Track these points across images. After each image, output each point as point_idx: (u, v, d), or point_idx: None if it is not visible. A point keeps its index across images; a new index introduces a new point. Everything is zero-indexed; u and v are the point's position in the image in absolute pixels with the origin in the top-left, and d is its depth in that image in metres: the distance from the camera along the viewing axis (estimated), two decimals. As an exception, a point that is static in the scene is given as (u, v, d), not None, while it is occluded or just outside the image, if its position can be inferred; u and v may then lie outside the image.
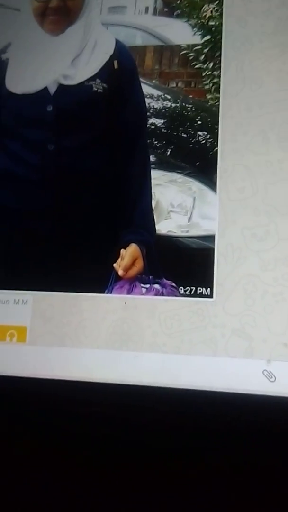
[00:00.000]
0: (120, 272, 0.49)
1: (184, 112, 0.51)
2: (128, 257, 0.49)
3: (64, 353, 0.49)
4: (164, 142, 0.51)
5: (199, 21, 0.52)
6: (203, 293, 0.47)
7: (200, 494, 0.45)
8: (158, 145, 0.51)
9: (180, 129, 0.51)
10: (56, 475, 0.48)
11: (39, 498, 0.47)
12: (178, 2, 0.53)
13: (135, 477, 0.46)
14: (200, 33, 0.52)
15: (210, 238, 0.48)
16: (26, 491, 0.48)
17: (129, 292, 0.49)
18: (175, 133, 0.51)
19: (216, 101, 0.50)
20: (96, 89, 0.52)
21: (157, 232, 0.49)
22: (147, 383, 0.47)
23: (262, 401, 0.44)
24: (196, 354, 0.46)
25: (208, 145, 0.50)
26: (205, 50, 0.51)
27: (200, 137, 0.50)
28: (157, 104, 0.52)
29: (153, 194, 0.50)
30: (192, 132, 0.51)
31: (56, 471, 0.48)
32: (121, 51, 0.53)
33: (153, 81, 0.52)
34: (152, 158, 0.51)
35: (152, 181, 0.50)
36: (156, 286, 0.48)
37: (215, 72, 0.50)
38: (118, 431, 0.47)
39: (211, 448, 0.46)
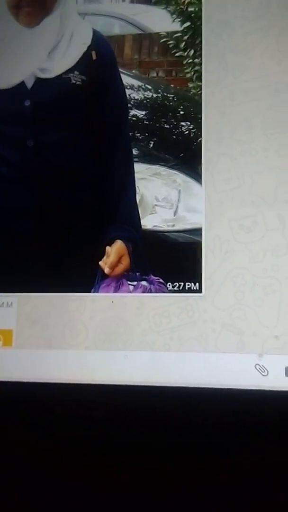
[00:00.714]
0: (106, 270, 0.48)
1: (166, 102, 0.50)
2: (114, 254, 0.48)
3: (52, 356, 0.48)
4: (147, 134, 0.50)
5: (178, 7, 0.50)
6: (192, 288, 0.46)
7: (195, 490, 0.45)
8: (140, 138, 0.50)
9: (163, 120, 0.50)
10: (46, 476, 0.47)
11: (26, 501, 0.46)
12: (156, -12, 0.51)
13: (127, 476, 0.46)
14: (179, 19, 0.50)
15: (197, 231, 0.47)
16: (14, 495, 0.47)
17: (116, 290, 0.48)
18: (158, 125, 0.50)
19: (199, 89, 0.48)
20: (74, 81, 0.51)
21: (143, 227, 0.48)
22: (138, 382, 0.46)
23: (255, 395, 0.43)
24: (187, 350, 0.45)
25: (191, 135, 0.48)
26: (185, 37, 0.50)
27: (183, 128, 0.49)
28: (138, 95, 0.50)
29: (137, 188, 0.49)
30: (175, 123, 0.49)
31: (46, 472, 0.47)
32: (99, 41, 0.51)
33: (133, 71, 0.51)
34: (134, 151, 0.49)
35: (136, 174, 0.49)
36: (144, 283, 0.47)
37: (196, 60, 0.49)
38: (110, 432, 0.46)
39: (205, 445, 0.45)
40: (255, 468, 0.44)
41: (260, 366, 0.44)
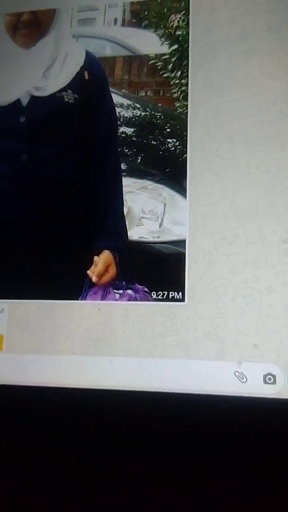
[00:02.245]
0: (94, 279, 0.50)
1: (153, 120, 0.52)
2: (101, 263, 0.50)
3: (40, 360, 0.49)
4: (135, 150, 0.52)
5: (167, 31, 0.53)
6: (175, 297, 0.48)
7: (172, 496, 0.46)
8: (128, 153, 0.52)
9: (150, 137, 0.52)
10: (34, 478, 0.48)
11: (10, 504, 0.48)
12: (146, 13, 0.54)
13: (111, 479, 0.47)
14: (167, 42, 0.53)
15: (181, 243, 0.49)
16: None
17: (103, 298, 0.50)
18: (145, 141, 0.52)
19: (185, 108, 0.51)
20: (67, 99, 0.53)
21: (129, 238, 0.50)
22: (122, 387, 0.47)
23: (234, 402, 0.45)
24: (169, 357, 0.47)
25: (177, 152, 0.51)
26: (173, 59, 0.52)
27: (169, 144, 0.51)
28: (127, 113, 0.53)
29: (124, 201, 0.51)
30: (162, 140, 0.52)
31: (34, 475, 0.48)
32: (91, 62, 0.54)
33: (123, 90, 0.53)
34: (123, 166, 0.52)
35: (124, 188, 0.51)
36: (129, 291, 0.49)
37: (183, 81, 0.52)
38: (95, 435, 0.47)
39: (187, 449, 0.46)
40: (233, 473, 0.45)
41: (239, 373, 0.46)
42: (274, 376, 0.45)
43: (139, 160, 0.52)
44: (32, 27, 0.55)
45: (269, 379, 0.45)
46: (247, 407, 0.45)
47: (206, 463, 0.46)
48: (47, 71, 0.54)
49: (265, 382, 0.45)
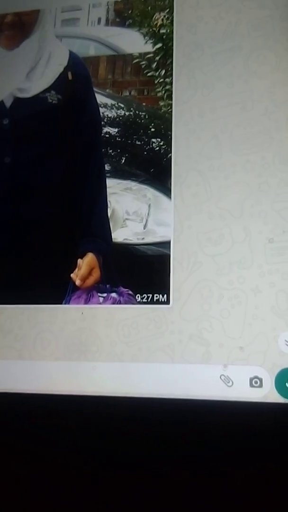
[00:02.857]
0: (78, 282, 0.49)
1: (137, 120, 0.51)
2: (85, 266, 0.49)
3: (24, 366, 0.48)
4: (119, 150, 0.51)
5: (151, 30, 0.52)
6: (160, 300, 0.47)
7: (156, 500, 0.45)
8: (113, 154, 0.51)
9: (134, 137, 0.51)
10: (14, 484, 0.47)
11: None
12: (130, 11, 0.53)
13: (93, 484, 0.46)
14: (151, 41, 0.52)
15: (166, 244, 0.48)
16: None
17: (87, 301, 0.49)
18: (129, 141, 0.51)
19: (169, 108, 0.50)
20: (51, 100, 0.53)
21: (114, 240, 0.49)
22: (106, 393, 0.46)
23: (220, 406, 0.44)
24: (154, 361, 0.46)
25: (162, 151, 0.50)
26: (157, 58, 0.52)
27: (154, 144, 0.50)
28: (111, 113, 0.52)
29: (108, 202, 0.50)
30: (146, 140, 0.51)
31: (15, 480, 0.48)
32: (74, 62, 0.53)
33: (107, 90, 0.53)
34: (107, 167, 0.51)
35: (108, 189, 0.50)
36: (113, 294, 0.48)
37: (167, 79, 0.51)
38: (77, 441, 0.46)
39: (172, 455, 0.45)
40: (220, 477, 0.44)
41: (225, 376, 0.45)
42: (260, 380, 0.44)
43: (123, 161, 0.51)
44: (16, 29, 0.55)
45: (256, 382, 0.44)
46: (234, 412, 0.44)
47: (192, 468, 0.45)
48: (31, 72, 0.54)
49: (251, 385, 0.44)
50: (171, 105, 0.50)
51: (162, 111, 0.50)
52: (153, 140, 0.50)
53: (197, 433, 0.44)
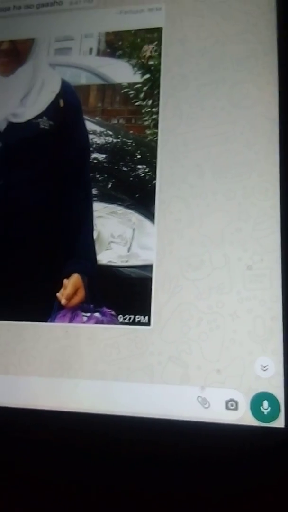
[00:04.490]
0: (63, 301, 0.51)
1: (124, 147, 0.53)
2: (71, 286, 0.51)
3: (9, 381, 0.50)
4: (106, 175, 0.53)
5: (139, 61, 0.54)
6: (141, 321, 0.49)
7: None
8: (100, 179, 0.53)
9: (121, 163, 0.53)
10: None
11: None
12: (120, 43, 0.56)
13: (72, 502, 0.47)
14: (140, 72, 0.54)
15: (148, 267, 0.49)
16: None
17: (71, 320, 0.50)
18: (116, 167, 0.53)
19: (155, 136, 0.52)
20: (43, 126, 0.55)
21: (98, 262, 0.51)
22: (87, 410, 0.48)
23: (196, 427, 0.45)
24: (134, 381, 0.48)
25: (147, 178, 0.52)
26: (145, 88, 0.54)
27: (139, 171, 0.52)
28: (100, 140, 0.54)
29: (94, 225, 0.52)
30: (132, 166, 0.53)
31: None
32: (66, 90, 0.56)
33: (96, 118, 0.55)
34: (94, 191, 0.53)
35: (94, 213, 0.52)
36: (97, 314, 0.50)
37: (153, 109, 0.53)
38: (58, 456, 0.48)
39: (147, 474, 0.46)
40: (193, 499, 0.45)
41: (202, 398, 0.46)
42: (236, 402, 0.45)
43: (109, 186, 0.53)
44: (11, 56, 0.57)
45: (231, 405, 0.45)
46: (209, 433, 0.45)
47: (166, 488, 0.46)
48: (24, 98, 0.56)
49: (227, 408, 0.45)
50: (156, 133, 0.52)
51: (148, 139, 0.52)
52: (139, 166, 0.52)
53: (172, 453, 0.46)
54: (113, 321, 0.49)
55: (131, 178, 0.52)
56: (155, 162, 0.51)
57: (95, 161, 0.54)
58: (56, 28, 0.58)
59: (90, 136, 0.54)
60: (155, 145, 0.52)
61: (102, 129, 0.54)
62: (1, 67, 0.57)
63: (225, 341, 0.47)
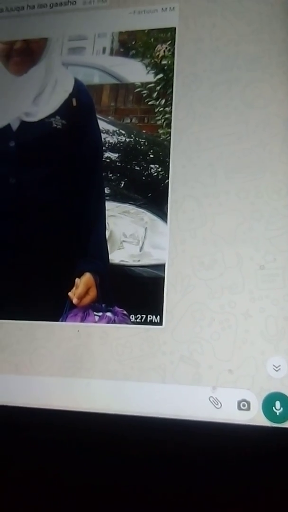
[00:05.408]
0: (75, 301, 0.51)
1: (137, 146, 0.54)
2: (82, 285, 0.51)
3: (20, 381, 0.50)
4: (118, 174, 0.53)
5: (153, 60, 0.55)
6: (153, 320, 0.48)
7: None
8: (112, 178, 0.53)
9: (134, 162, 0.53)
10: (6, 498, 0.49)
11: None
12: (133, 42, 0.56)
13: (81, 501, 0.47)
14: (153, 71, 0.54)
15: (161, 267, 0.49)
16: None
17: (83, 320, 0.50)
18: (129, 166, 0.53)
19: (168, 135, 0.52)
20: (55, 125, 0.55)
21: (110, 261, 0.51)
22: (99, 410, 0.48)
23: (208, 427, 0.45)
24: (146, 381, 0.47)
25: (159, 177, 0.52)
26: (158, 88, 0.54)
27: (152, 170, 0.52)
28: (112, 139, 0.54)
29: (107, 224, 0.52)
30: (145, 165, 0.53)
31: (7, 495, 0.49)
32: (79, 90, 0.56)
33: (109, 117, 0.55)
34: (106, 190, 0.53)
35: (106, 212, 0.52)
36: (109, 314, 0.50)
37: (167, 108, 0.53)
38: (71, 455, 0.48)
39: (160, 474, 0.46)
40: (206, 498, 0.45)
41: (214, 398, 0.46)
42: (248, 403, 0.45)
43: (122, 185, 0.53)
44: (25, 55, 0.57)
45: (243, 405, 0.45)
46: (221, 433, 0.45)
47: (179, 488, 0.46)
48: (37, 97, 0.56)
49: (239, 408, 0.45)
50: (169, 133, 0.52)
51: (161, 138, 0.52)
52: (152, 166, 0.52)
53: (184, 453, 0.45)
54: (125, 321, 0.49)
55: (143, 178, 0.52)
56: (168, 162, 0.51)
57: (107, 160, 0.54)
58: (70, 27, 0.58)
59: (103, 135, 0.54)
60: (168, 144, 0.52)
61: (115, 128, 0.54)
62: (14, 67, 0.57)
63: (237, 341, 0.46)
